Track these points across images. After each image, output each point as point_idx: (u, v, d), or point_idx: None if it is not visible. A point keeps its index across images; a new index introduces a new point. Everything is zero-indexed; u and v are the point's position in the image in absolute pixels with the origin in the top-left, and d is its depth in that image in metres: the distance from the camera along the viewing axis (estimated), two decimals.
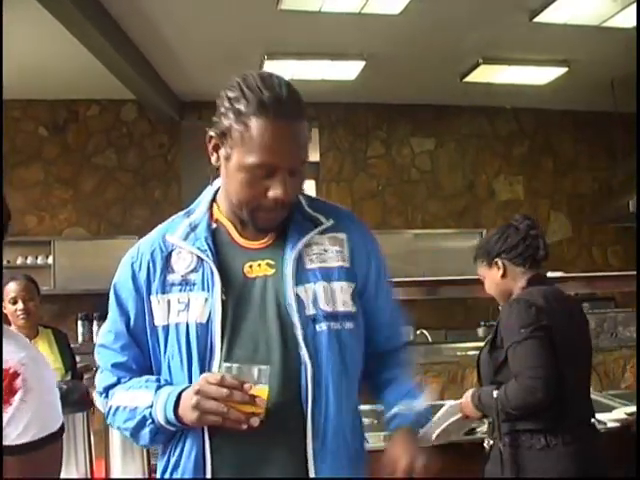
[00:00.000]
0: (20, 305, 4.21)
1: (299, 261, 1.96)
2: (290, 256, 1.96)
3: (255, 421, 1.76)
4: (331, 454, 1.91)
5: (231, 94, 1.88)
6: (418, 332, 6.35)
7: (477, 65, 7.38)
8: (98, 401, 2.05)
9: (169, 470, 1.96)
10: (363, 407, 2.10)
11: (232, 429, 1.78)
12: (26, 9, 5.14)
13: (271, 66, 7.07)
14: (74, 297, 8.03)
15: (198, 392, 1.78)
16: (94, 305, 7.73)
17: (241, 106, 1.84)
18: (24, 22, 5.50)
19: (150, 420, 1.90)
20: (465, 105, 9.01)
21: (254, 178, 1.86)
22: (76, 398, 3.16)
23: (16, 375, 1.49)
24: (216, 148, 1.94)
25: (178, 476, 1.93)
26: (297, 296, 1.93)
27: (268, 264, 1.98)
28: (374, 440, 2.91)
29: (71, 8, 5.12)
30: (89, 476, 3.04)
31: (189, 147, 8.35)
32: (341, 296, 1.98)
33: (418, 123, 9.17)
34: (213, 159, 1.96)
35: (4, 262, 7.42)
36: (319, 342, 1.92)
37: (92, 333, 7.85)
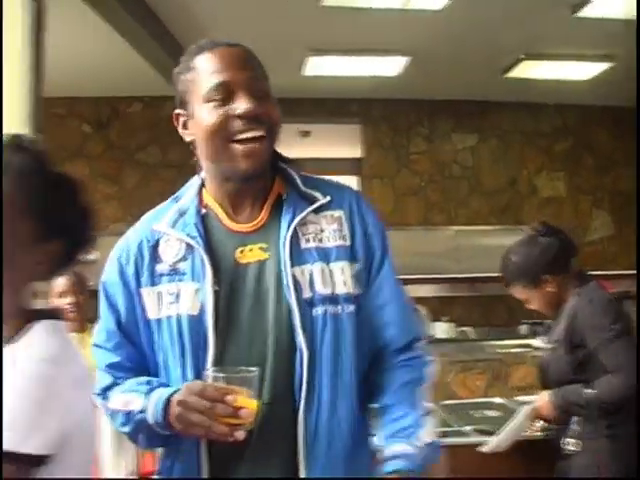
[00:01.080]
0: (69, 299, 4.24)
1: (294, 241, 1.86)
2: (285, 236, 1.86)
3: (240, 434, 1.65)
4: (324, 454, 1.81)
5: (178, 67, 1.91)
6: (459, 329, 6.35)
7: (519, 61, 7.32)
8: (98, 403, 1.92)
9: (167, 468, 1.91)
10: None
11: (218, 441, 1.69)
12: (70, 7, 5.19)
13: (314, 62, 7.08)
14: None
15: (181, 403, 1.70)
16: None
17: (185, 63, 1.88)
18: (68, 20, 5.54)
19: (144, 424, 1.81)
20: (507, 101, 8.93)
21: (215, 107, 1.80)
22: None
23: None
24: (183, 124, 1.91)
25: (174, 476, 1.87)
26: (293, 278, 1.83)
27: (261, 248, 1.88)
28: None
29: (115, 6, 5.18)
30: (137, 470, 3.06)
31: None
32: (341, 277, 1.87)
33: (460, 119, 9.11)
34: (186, 135, 1.91)
35: None
36: (316, 327, 1.82)
37: None
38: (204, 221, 1.92)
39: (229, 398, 1.64)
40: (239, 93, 1.81)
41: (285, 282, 1.83)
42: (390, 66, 7.45)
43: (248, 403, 1.65)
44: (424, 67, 7.47)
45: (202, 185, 1.99)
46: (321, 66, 7.28)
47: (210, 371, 1.70)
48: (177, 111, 1.92)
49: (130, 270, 1.91)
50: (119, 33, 5.80)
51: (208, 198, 1.96)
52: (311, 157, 8.65)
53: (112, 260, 1.97)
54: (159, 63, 6.57)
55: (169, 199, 2.01)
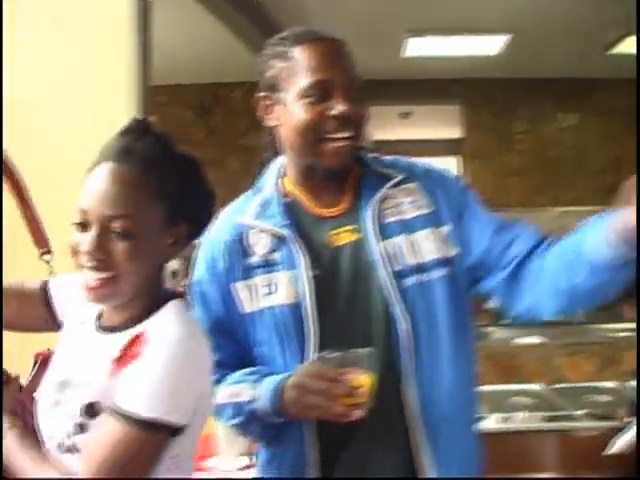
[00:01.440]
0: (183, 281, 4.31)
1: (378, 218, 1.89)
2: (368, 214, 1.89)
3: (358, 414, 1.68)
4: (437, 423, 1.83)
5: (268, 50, 1.94)
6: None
7: (624, 36, 7.13)
8: None
9: (268, 461, 1.93)
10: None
11: (335, 422, 1.71)
12: None
13: (414, 44, 7.03)
14: None
15: (297, 386, 1.73)
16: None
17: (280, 49, 1.88)
18: (170, 8, 5.63)
19: (255, 414, 1.84)
20: (611, 78, 8.70)
21: (311, 103, 1.82)
22: None
23: (143, 342, 1.56)
24: (267, 108, 1.91)
25: (274, 469, 1.90)
26: (383, 253, 1.86)
27: (349, 230, 1.91)
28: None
29: None
30: (250, 450, 3.10)
31: None
32: (427, 245, 1.89)
33: (563, 98, 8.91)
34: (269, 120, 1.92)
35: None
36: (410, 297, 1.84)
37: None
38: (289, 209, 1.93)
39: (346, 378, 1.67)
40: (336, 93, 1.82)
41: (376, 258, 1.85)
42: (490, 45, 7.34)
43: (364, 382, 1.67)
44: (525, 45, 7.34)
45: (280, 174, 2.00)
46: (421, 47, 7.23)
47: (323, 353, 1.73)
48: (262, 94, 1.93)
49: (220, 266, 1.93)
50: (220, 21, 5.86)
51: (290, 186, 1.97)
52: (411, 139, 8.63)
53: (201, 259, 1.99)
54: (259, 49, 6.62)
55: (246, 193, 2.02)
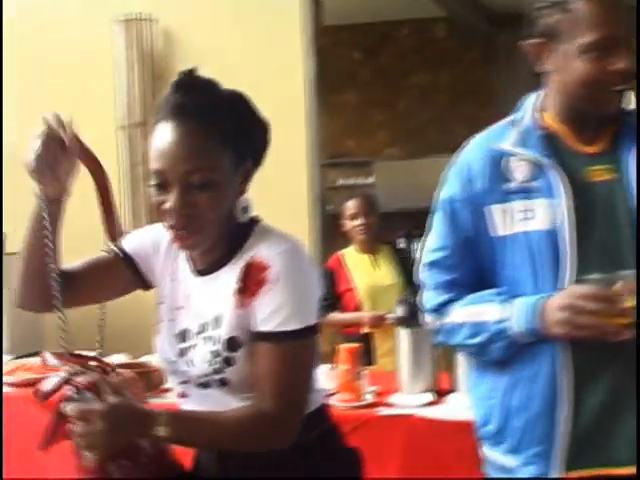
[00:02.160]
0: (360, 220, 4.37)
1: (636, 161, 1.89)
2: (629, 157, 1.90)
3: (628, 333, 1.70)
4: None
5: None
6: None
7: None
8: (427, 319, 2.04)
9: (523, 382, 1.91)
10: None
11: (595, 341, 1.74)
12: None
13: None
14: (394, 216, 8.21)
15: (567, 307, 1.75)
16: (413, 223, 7.86)
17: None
18: None
19: (503, 334, 1.86)
20: None
21: (596, 58, 1.83)
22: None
23: (265, 267, 1.65)
24: (543, 54, 1.92)
25: (537, 388, 1.88)
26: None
27: (607, 168, 1.91)
28: None
29: None
30: (434, 388, 3.13)
31: (504, 63, 8.17)
32: None
33: None
34: (543, 66, 1.94)
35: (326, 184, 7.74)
36: None
37: (412, 251, 8.00)
38: (548, 141, 1.95)
39: (618, 298, 1.71)
40: (619, 47, 1.84)
41: (633, 198, 1.86)
42: None
43: (633, 302, 1.70)
44: None
45: (536, 107, 2.02)
46: None
47: (590, 276, 1.76)
48: (537, 41, 1.94)
49: (476, 187, 1.96)
50: None
51: (549, 120, 1.98)
52: None
53: (454, 178, 2.02)
54: None
55: (503, 122, 2.05)
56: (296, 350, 1.66)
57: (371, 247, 4.43)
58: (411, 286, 4.09)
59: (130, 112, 4.94)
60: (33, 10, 5.30)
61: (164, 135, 1.64)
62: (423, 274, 2.06)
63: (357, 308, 4.28)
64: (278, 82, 4.89)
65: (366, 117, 8.55)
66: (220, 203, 1.66)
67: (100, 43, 5.05)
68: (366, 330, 4.16)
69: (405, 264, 4.47)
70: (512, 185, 1.92)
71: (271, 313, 1.64)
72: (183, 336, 1.77)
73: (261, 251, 1.68)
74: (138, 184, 4.91)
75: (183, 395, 1.82)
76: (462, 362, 3.05)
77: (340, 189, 7.91)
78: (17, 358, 4.05)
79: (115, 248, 1.88)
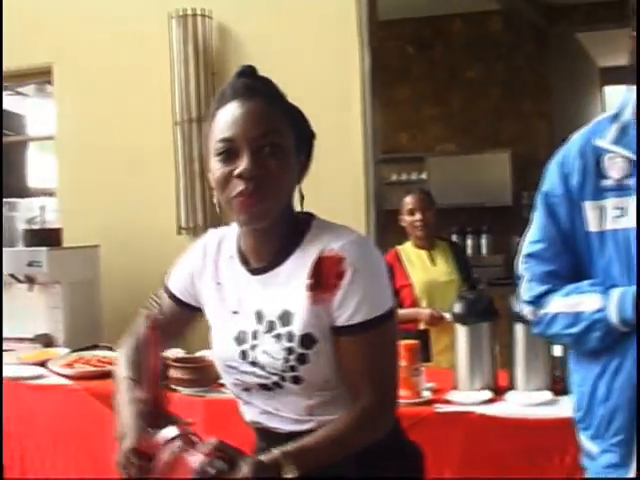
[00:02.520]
0: (418, 216, 4.34)
1: None
2: None
3: None
4: None
5: None
6: None
7: None
8: (525, 310, 2.06)
9: (608, 373, 1.94)
10: None
11: None
12: None
13: None
14: (448, 212, 8.18)
15: None
16: (467, 219, 7.83)
17: None
18: None
19: (601, 323, 1.89)
20: None
21: None
22: (480, 308, 3.22)
23: (341, 259, 1.66)
24: None
25: (619, 380, 1.91)
26: None
27: None
28: None
29: None
30: (492, 385, 3.12)
31: (559, 56, 8.10)
32: None
33: None
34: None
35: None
36: None
37: (465, 247, 7.96)
38: None
39: None
40: None
41: None
42: None
43: None
44: None
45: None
46: None
47: None
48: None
49: (574, 181, 1.97)
50: None
51: None
52: None
53: (555, 171, 2.04)
54: None
55: (604, 116, 2.04)
56: (385, 334, 1.70)
57: (428, 243, 4.40)
58: (468, 282, 4.10)
59: (186, 108, 4.97)
60: (91, 7, 5.37)
61: (231, 110, 1.68)
62: (522, 266, 2.08)
63: (414, 304, 4.25)
64: (333, 78, 4.89)
65: (419, 112, 8.51)
66: (288, 172, 1.69)
67: (157, 39, 5.10)
68: (423, 327, 4.16)
69: (461, 260, 4.48)
70: (608, 182, 1.93)
71: (358, 304, 1.66)
72: (243, 338, 1.77)
73: (330, 244, 1.69)
74: (195, 179, 4.94)
75: (243, 397, 1.83)
76: (520, 359, 3.06)
77: (394, 185, 7.92)
78: (74, 351, 4.12)
79: (164, 289, 1.97)
